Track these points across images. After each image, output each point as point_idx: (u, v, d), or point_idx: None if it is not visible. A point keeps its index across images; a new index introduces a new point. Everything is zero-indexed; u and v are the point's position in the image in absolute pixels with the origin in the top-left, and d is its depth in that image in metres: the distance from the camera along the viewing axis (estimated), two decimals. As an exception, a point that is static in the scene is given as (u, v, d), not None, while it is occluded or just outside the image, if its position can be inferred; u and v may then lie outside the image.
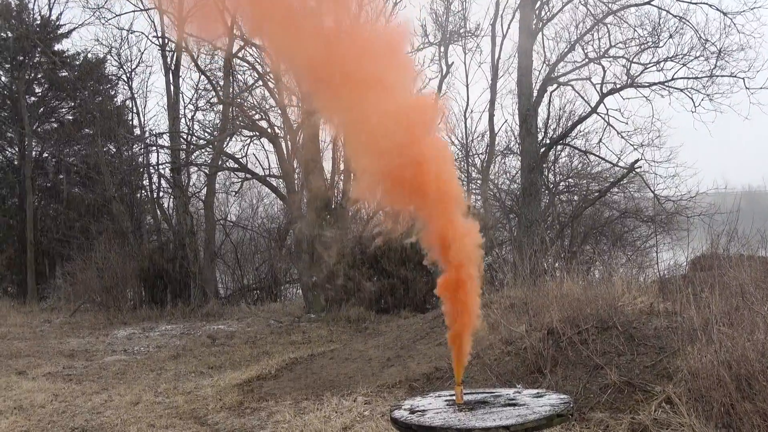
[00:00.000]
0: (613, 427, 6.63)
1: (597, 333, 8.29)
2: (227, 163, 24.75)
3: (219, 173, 25.85)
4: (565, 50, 22.18)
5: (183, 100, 25.73)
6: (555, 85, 22.68)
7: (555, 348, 8.29)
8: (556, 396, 4.89)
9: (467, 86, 23.98)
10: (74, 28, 30.29)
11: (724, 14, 19.87)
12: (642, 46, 21.18)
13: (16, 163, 30.46)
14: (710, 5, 20.01)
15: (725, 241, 12.01)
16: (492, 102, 22.97)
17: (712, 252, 11.81)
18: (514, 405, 4.67)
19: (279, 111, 22.62)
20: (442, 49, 23.71)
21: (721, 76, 20.21)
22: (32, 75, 30.67)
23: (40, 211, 30.05)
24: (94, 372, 12.79)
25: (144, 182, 27.95)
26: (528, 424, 4.24)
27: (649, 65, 21.06)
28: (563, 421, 4.60)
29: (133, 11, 25.80)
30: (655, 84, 20.91)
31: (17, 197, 29.97)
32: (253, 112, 23.43)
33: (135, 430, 8.19)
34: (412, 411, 4.71)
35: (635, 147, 21.80)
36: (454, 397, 4.95)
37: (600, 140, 22.53)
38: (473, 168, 23.49)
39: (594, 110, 21.80)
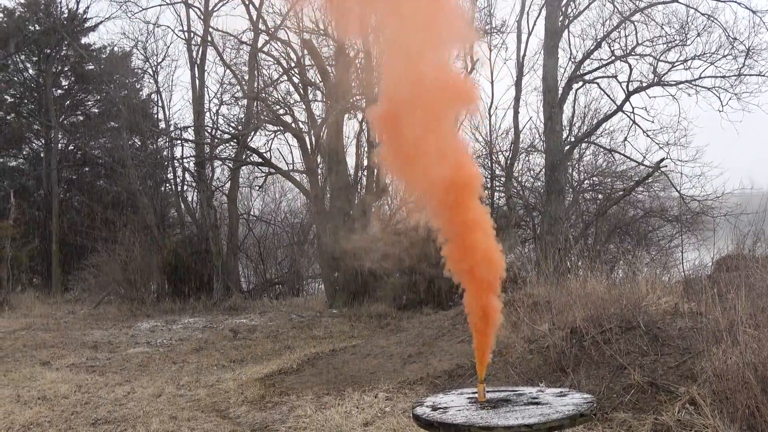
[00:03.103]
0: (636, 428, 6.58)
1: (620, 333, 8.23)
2: (251, 158, 24.83)
3: (243, 168, 25.94)
4: (591, 48, 22.05)
5: (208, 94, 25.87)
6: (580, 83, 22.57)
7: (578, 347, 8.25)
8: (579, 395, 4.86)
9: (492, 83, 23.83)
10: (101, 22, 30.66)
11: (754, 12, 19.71)
12: (669, 44, 21.03)
13: (42, 155, 30.74)
14: (739, 3, 19.86)
15: (751, 241, 11.93)
16: (517, 99, 22.86)
17: (738, 253, 11.72)
18: (537, 404, 4.65)
19: (303, 106, 22.70)
20: (467, 45, 23.60)
21: (750, 75, 20.05)
22: (59, 68, 30.97)
23: (65, 203, 30.33)
24: (117, 364, 12.87)
25: (168, 176, 28.09)
26: (551, 423, 4.21)
27: (676, 63, 20.91)
28: (586, 420, 4.57)
29: (160, 5, 25.96)
30: (682, 82, 20.76)
31: (43, 189, 30.23)
32: (278, 107, 23.51)
33: (157, 423, 8.22)
34: (434, 408, 4.70)
35: (661, 146, 21.67)
36: (476, 395, 4.93)
37: (625, 139, 22.39)
38: (497, 165, 23.38)
39: (620, 108, 21.67)
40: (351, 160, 22.03)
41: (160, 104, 28.39)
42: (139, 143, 28.57)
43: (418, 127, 4.83)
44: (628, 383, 7.32)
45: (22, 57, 30.74)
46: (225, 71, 25.26)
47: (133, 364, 12.82)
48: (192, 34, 25.23)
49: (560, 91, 21.75)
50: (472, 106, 5.48)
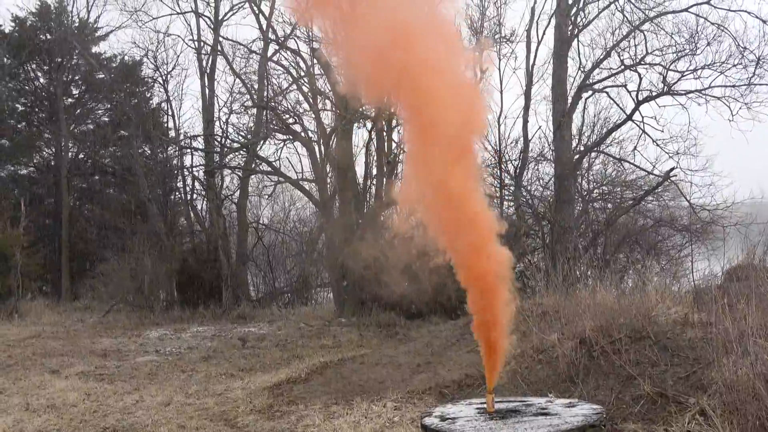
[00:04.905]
0: (646, 439, 6.56)
1: (630, 343, 8.20)
2: (260, 167, 24.86)
3: (252, 176, 25.96)
4: (601, 57, 21.98)
5: (217, 103, 25.98)
6: (590, 92, 22.49)
7: (587, 357, 8.22)
8: (589, 406, 4.84)
9: (501, 92, 23.69)
10: (111, 31, 30.80)
11: (764, 22, 19.59)
12: (679, 54, 20.92)
13: (52, 163, 30.84)
14: (749, 13, 19.73)
15: (761, 251, 11.85)
16: (526, 108, 22.78)
17: (748, 262, 11.64)
18: (546, 414, 4.63)
19: (312, 115, 22.72)
20: (477, 54, 23.57)
21: (760, 84, 19.93)
22: (70, 77, 31.09)
23: (75, 211, 30.40)
24: (126, 372, 12.88)
25: (178, 184, 28.15)
26: (560, 435, 4.20)
27: (686, 73, 20.79)
28: (595, 431, 4.56)
29: (170, 14, 26.07)
30: (691, 92, 20.64)
31: (53, 197, 30.32)
32: (287, 116, 23.54)
33: (165, 431, 8.22)
34: (442, 418, 4.69)
35: (671, 155, 21.53)
36: (485, 405, 4.92)
37: (635, 148, 22.25)
38: (506, 174, 23.31)
39: (629, 117, 21.59)
40: (360, 170, 22.05)
41: (169, 113, 28.50)
42: (149, 152, 28.64)
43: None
44: (638, 394, 7.29)
45: (33, 66, 30.88)
46: (235, 80, 25.37)
47: (141, 372, 12.83)
48: (202, 44, 25.36)
49: (570, 101, 21.70)
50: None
